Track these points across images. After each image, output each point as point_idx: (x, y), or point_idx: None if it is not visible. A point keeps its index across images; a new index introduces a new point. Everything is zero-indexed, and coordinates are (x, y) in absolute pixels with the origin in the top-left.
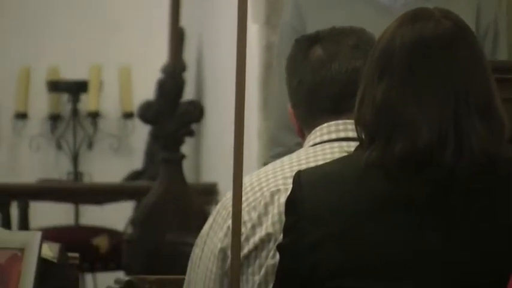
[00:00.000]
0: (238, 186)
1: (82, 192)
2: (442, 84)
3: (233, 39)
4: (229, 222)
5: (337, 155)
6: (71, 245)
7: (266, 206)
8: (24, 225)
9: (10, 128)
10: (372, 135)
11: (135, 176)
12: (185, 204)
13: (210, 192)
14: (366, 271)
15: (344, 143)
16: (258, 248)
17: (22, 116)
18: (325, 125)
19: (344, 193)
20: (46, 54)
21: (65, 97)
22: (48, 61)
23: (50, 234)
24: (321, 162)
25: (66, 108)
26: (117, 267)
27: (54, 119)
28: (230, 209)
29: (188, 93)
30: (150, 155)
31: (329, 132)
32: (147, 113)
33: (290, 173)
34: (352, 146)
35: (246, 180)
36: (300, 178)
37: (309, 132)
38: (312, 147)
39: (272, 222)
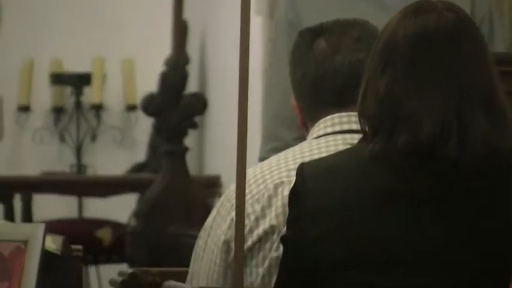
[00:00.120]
0: (242, 178)
1: (85, 185)
2: (445, 77)
3: (236, 32)
4: (233, 214)
5: (340, 147)
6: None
7: (270, 198)
8: (27, 217)
9: (13, 121)
10: (375, 128)
11: (138, 168)
12: (188, 197)
13: (213, 185)
14: (368, 264)
15: (348, 135)
16: (261, 240)
17: (25, 108)
18: (329, 117)
19: (347, 186)
20: (49, 46)
21: (68, 90)
22: (51, 54)
23: (53, 226)
24: (324, 155)
25: (69, 100)
26: (120, 260)
27: (58, 111)
28: (233, 201)
29: (191, 86)
30: (153, 147)
31: (333, 125)
32: (150, 105)
33: (293, 165)
34: (356, 138)
35: (250, 172)
36: (303, 170)
37: (313, 124)
38: (315, 140)
39: (276, 214)
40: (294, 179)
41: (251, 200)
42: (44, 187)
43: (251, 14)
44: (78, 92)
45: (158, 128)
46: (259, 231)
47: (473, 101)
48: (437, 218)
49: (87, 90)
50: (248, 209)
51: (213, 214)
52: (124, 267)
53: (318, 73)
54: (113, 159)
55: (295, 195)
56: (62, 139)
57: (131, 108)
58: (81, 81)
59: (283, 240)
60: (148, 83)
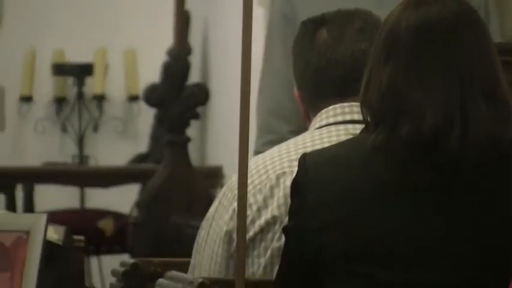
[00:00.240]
0: (244, 169)
1: (87, 175)
2: (447, 68)
3: (239, 22)
4: (235, 205)
5: (342, 138)
6: (77, 228)
7: (272, 188)
8: (29, 208)
9: (15, 111)
10: (378, 118)
11: (141, 159)
12: (190, 187)
13: (215, 175)
14: (369, 256)
15: (350, 126)
16: (263, 230)
17: (27, 99)
18: (331, 107)
19: (350, 176)
20: (51, 37)
21: (70, 80)
22: (53, 44)
23: (55, 217)
24: (326, 145)
25: (71, 91)
26: (122, 250)
27: (60, 102)
28: (236, 191)
29: (193, 77)
30: (155, 138)
31: (335, 115)
32: (153, 96)
33: (295, 156)
34: (358, 128)
35: (252, 162)
36: (305, 161)
37: (315, 114)
38: (317, 130)
39: (278, 204)
40: (296, 169)
41: (253, 191)
42: (46, 178)
43: (253, 5)
44: (80, 83)
45: (160, 118)
46: (261, 221)
47: (476, 92)
48: (439, 210)
49: (89, 80)
50: (250, 199)
51: (215, 204)
52: (126, 258)
53: (320, 63)
54: (115, 149)
55: (297, 186)
56: (64, 130)
57: (133, 98)
58: (83, 71)
59: (285, 230)
60: (151, 73)
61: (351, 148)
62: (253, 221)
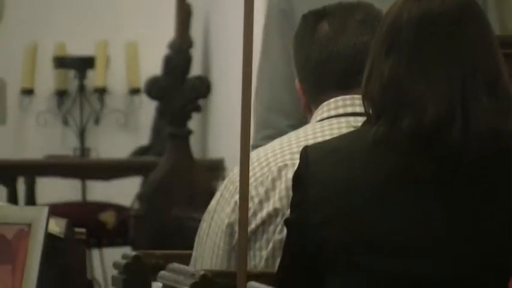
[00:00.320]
0: (246, 161)
1: (89, 168)
2: (449, 61)
3: (240, 15)
4: (237, 197)
5: (344, 130)
6: (78, 220)
7: (273, 181)
8: (31, 201)
9: (17, 104)
10: (379, 111)
11: (142, 151)
12: (192, 180)
13: (216, 168)
14: (371, 249)
15: (351, 118)
16: (265, 223)
17: (29, 92)
18: (332, 100)
19: (351, 169)
20: (53, 30)
21: (71, 73)
22: (54, 37)
23: (56, 209)
24: (328, 138)
25: (72, 84)
26: (124, 243)
27: (61, 95)
28: (237, 184)
29: (195, 69)
30: (156, 130)
31: (336, 108)
32: (154, 88)
33: (297, 148)
34: (360, 121)
35: (253, 155)
36: (307, 153)
37: (316, 107)
38: (319, 123)
39: (279, 197)
40: (297, 162)
41: (255, 183)
42: (47, 170)
43: None
44: (82, 76)
45: (162, 111)
46: (263, 214)
47: (478, 85)
48: (441, 203)
49: (90, 73)
50: (252, 191)
51: (217, 197)
52: (127, 251)
53: (321, 56)
54: (116, 142)
55: (299, 178)
56: (66, 122)
57: (135, 91)
58: (84, 64)
59: (287, 223)
60: (152, 66)
61: (352, 141)
62: (255, 214)
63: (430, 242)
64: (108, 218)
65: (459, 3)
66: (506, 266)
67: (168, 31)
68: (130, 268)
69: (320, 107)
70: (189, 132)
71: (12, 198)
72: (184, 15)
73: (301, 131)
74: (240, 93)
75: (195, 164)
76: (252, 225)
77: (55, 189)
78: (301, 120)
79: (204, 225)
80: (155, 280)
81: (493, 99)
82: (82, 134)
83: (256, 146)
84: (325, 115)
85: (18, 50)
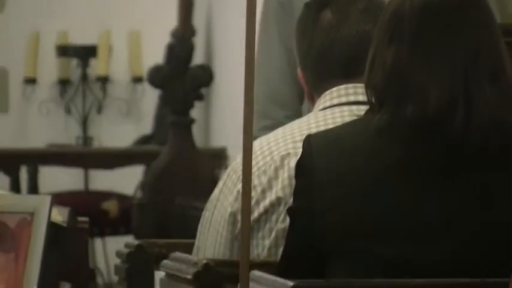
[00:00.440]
0: (248, 150)
1: (91, 157)
2: (452, 49)
3: (242, 3)
4: (239, 186)
5: (347, 119)
6: (81, 209)
7: (276, 170)
8: (33, 189)
9: (19, 93)
10: (382, 99)
11: (145, 140)
12: (194, 169)
13: (219, 157)
14: (375, 236)
15: (354, 107)
16: (268, 212)
17: (31, 81)
18: (335, 88)
19: (354, 157)
20: (55, 19)
21: (74, 62)
22: (57, 26)
23: (59, 198)
24: (330, 126)
25: (75, 73)
26: (126, 232)
27: (64, 83)
28: (240, 173)
29: (197, 58)
30: (159, 119)
31: (339, 96)
32: (157, 77)
33: (300, 137)
34: (362, 109)
35: (256, 144)
36: (310, 142)
37: (319, 96)
38: (321, 111)
39: (282, 186)
40: (300, 150)
41: (257, 172)
42: (50, 159)
43: None
44: (84, 64)
45: (164, 99)
46: (265, 203)
47: (480, 74)
48: (444, 191)
49: (93, 62)
50: (254, 180)
51: (220, 186)
52: (130, 239)
53: (323, 44)
54: (119, 131)
55: (301, 167)
56: (68, 111)
57: (137, 80)
58: (87, 53)
59: (290, 212)
60: (155, 55)
61: (355, 129)
62: (257, 203)
63: (433, 230)
64: (111, 206)
65: None
66: (508, 256)
67: (170, 20)
68: (133, 257)
69: (322, 96)
70: (192, 120)
71: (15, 187)
72: (186, 4)
73: (303, 120)
74: (242, 81)
75: (197, 152)
76: (255, 214)
77: (58, 178)
78: (298, 111)
79: (206, 214)
80: (158, 269)
81: (495, 87)
82: (84, 123)
83: (254, 137)
84: (327, 104)
85: (20, 39)
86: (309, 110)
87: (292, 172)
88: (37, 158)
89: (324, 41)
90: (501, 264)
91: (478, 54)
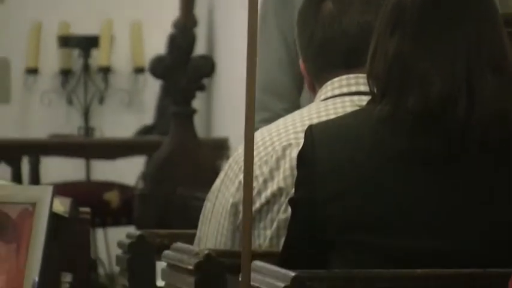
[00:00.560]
0: (250, 140)
1: (93, 147)
2: (454, 39)
3: None
4: (241, 177)
5: (348, 109)
6: (82, 200)
7: (278, 160)
8: (35, 180)
9: (21, 84)
10: (384, 89)
11: (146, 130)
12: (196, 159)
13: (221, 147)
14: (377, 226)
15: (355, 97)
16: (269, 202)
17: (33, 71)
18: (337, 79)
19: (357, 147)
20: (57, 9)
21: (76, 52)
22: (59, 16)
23: (61, 189)
24: (332, 117)
25: (77, 63)
26: (128, 222)
27: (65, 74)
28: (242, 163)
29: (199, 48)
30: (161, 109)
31: (340, 87)
32: (159, 67)
33: (301, 128)
34: (364, 100)
35: (258, 134)
36: (311, 132)
37: (320, 86)
38: (323, 102)
39: (284, 176)
40: (301, 141)
41: (259, 162)
42: (51, 150)
43: None
44: (86, 55)
45: (166, 90)
46: (267, 193)
47: (482, 63)
48: (447, 180)
49: (95, 52)
50: (256, 171)
51: (221, 177)
52: (132, 230)
53: (325, 35)
54: (120, 121)
55: (303, 157)
56: (70, 102)
57: (139, 70)
58: (89, 43)
59: (292, 202)
60: (157, 45)
61: (357, 119)
62: (259, 193)
63: (434, 222)
64: (113, 197)
65: None
66: (509, 248)
67: (172, 10)
68: (134, 247)
69: (324, 86)
70: (194, 111)
71: (17, 178)
72: None
73: (305, 110)
74: (244, 72)
75: (199, 143)
76: (257, 205)
77: (59, 169)
78: (295, 103)
79: (208, 205)
80: (159, 259)
81: (498, 78)
82: (86, 113)
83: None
84: (329, 94)
85: (22, 30)
86: (309, 102)
87: (294, 162)
88: (39, 149)
89: (325, 32)
90: (502, 256)
91: (480, 45)
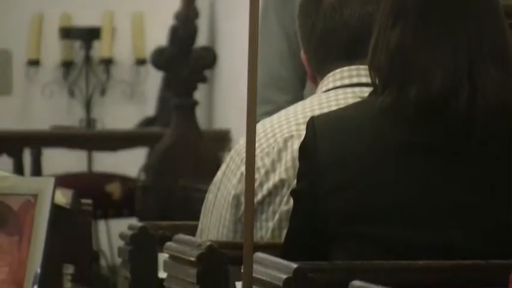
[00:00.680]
0: (252, 132)
1: (95, 139)
2: (456, 30)
3: None
4: (243, 168)
5: (350, 101)
6: (84, 191)
7: (279, 152)
8: (37, 172)
9: (23, 75)
10: (386, 81)
11: (148, 122)
12: (198, 151)
13: (222, 139)
14: (379, 218)
15: (357, 89)
16: (271, 194)
17: (35, 63)
18: (338, 70)
19: (359, 139)
20: (59, 1)
21: (77, 44)
22: (60, 8)
23: (62, 180)
24: (334, 108)
25: (78, 55)
26: (130, 214)
27: (67, 65)
28: (243, 155)
29: (201, 40)
30: (162, 101)
31: (342, 78)
32: (160, 59)
33: (303, 119)
34: (365, 91)
35: (259, 126)
36: (313, 124)
37: (321, 78)
38: (324, 93)
39: (285, 168)
40: (303, 132)
41: (261, 154)
42: (53, 141)
43: None
44: (88, 46)
45: (168, 81)
46: (269, 185)
47: (484, 55)
48: (449, 172)
49: (96, 44)
50: (258, 163)
51: (223, 169)
52: (134, 222)
53: (326, 27)
54: (122, 113)
55: (305, 149)
56: (72, 93)
57: (141, 62)
58: (90, 35)
59: (293, 194)
60: (158, 37)
61: (359, 111)
62: (261, 185)
63: (439, 211)
64: (114, 189)
65: None
66: (510, 240)
67: (174, 1)
68: (136, 239)
69: (325, 78)
70: (195, 103)
71: (18, 169)
72: None
73: (306, 102)
74: (245, 63)
75: (201, 134)
76: (259, 197)
77: (61, 160)
78: (298, 95)
79: (210, 197)
80: (161, 251)
81: (499, 69)
82: (88, 105)
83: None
84: (330, 86)
85: (24, 21)
86: (311, 94)
87: (296, 154)
88: (40, 140)
89: (327, 23)
90: (503, 248)
91: (482, 37)
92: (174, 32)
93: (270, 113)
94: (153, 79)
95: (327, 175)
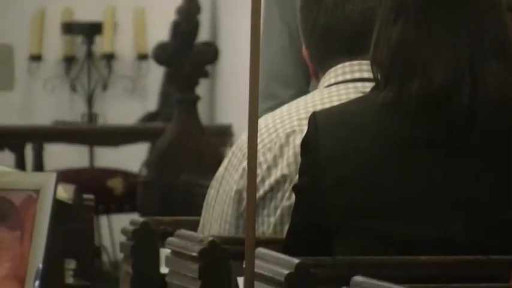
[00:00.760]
0: (254, 127)
1: (97, 134)
2: (457, 25)
3: None
4: (245, 163)
5: (352, 96)
6: (86, 186)
7: (281, 147)
8: (39, 167)
9: (25, 70)
10: (388, 76)
11: (150, 117)
12: (200, 146)
13: (224, 134)
14: (381, 213)
15: (359, 84)
16: (273, 189)
17: (37, 58)
18: (340, 66)
19: (361, 134)
20: None
21: (79, 39)
22: (62, 3)
23: (64, 176)
24: (336, 103)
25: (80, 50)
26: (132, 209)
27: (69, 60)
28: (245, 150)
29: (203, 35)
30: (164, 96)
31: (344, 73)
32: (162, 54)
33: (305, 114)
34: (367, 86)
35: (261, 121)
36: (315, 119)
37: (323, 73)
38: (326, 89)
39: (287, 163)
40: (305, 128)
41: (263, 149)
42: (55, 136)
43: None
44: (90, 41)
45: (170, 77)
46: (270, 180)
47: (486, 49)
48: (450, 166)
49: (98, 39)
50: (260, 158)
51: (225, 164)
52: (135, 217)
53: (328, 22)
54: (124, 108)
55: (307, 144)
56: (73, 88)
57: (142, 57)
58: (92, 30)
59: (295, 189)
60: (160, 32)
61: (360, 106)
62: (263, 180)
63: (441, 205)
64: (116, 184)
65: None
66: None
67: None
68: (138, 234)
69: (327, 73)
70: (197, 98)
71: (20, 165)
72: None
73: (308, 97)
74: (247, 58)
75: (202, 129)
76: (260, 192)
77: (63, 155)
78: (302, 90)
79: (212, 192)
80: (163, 246)
81: (501, 63)
82: (90, 100)
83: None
84: (332, 81)
85: (26, 16)
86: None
87: (298, 149)
88: (42, 135)
89: (328, 19)
90: (504, 243)
91: (484, 31)
92: (176, 27)
93: (273, 109)
94: (155, 74)
95: (328, 170)
